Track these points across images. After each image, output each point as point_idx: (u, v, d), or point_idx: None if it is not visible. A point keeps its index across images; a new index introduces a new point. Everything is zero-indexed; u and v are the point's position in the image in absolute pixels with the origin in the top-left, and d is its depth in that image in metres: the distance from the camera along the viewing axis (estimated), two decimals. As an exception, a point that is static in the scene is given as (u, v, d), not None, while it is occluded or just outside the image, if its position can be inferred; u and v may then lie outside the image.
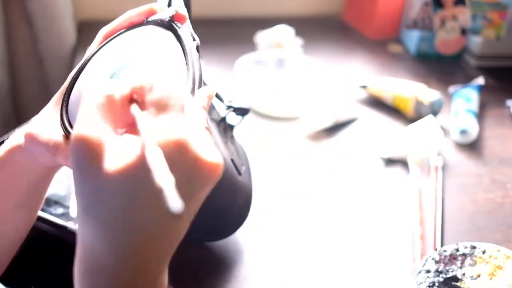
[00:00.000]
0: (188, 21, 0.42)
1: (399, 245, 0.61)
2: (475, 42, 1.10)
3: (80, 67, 0.42)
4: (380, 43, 1.18)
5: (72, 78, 0.41)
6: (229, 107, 0.56)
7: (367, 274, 0.57)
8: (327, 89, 0.89)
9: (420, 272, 0.54)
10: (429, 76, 1.04)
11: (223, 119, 0.55)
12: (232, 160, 0.53)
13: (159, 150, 0.27)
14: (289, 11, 1.29)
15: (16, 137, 0.42)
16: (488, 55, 1.10)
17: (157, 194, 0.26)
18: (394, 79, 0.94)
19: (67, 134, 0.39)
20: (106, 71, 0.39)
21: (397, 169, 0.75)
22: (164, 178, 0.25)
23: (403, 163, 0.75)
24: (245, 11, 1.27)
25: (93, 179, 0.28)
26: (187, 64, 0.37)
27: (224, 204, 0.52)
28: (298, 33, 1.08)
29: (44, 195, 0.46)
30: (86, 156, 0.27)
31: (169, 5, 0.43)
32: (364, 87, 0.92)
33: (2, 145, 0.42)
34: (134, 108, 0.30)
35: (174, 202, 0.25)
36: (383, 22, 1.18)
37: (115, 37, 0.42)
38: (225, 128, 0.56)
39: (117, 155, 0.28)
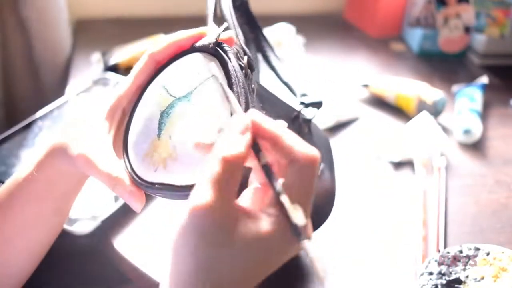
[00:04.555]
0: (240, 37, 0.43)
1: (402, 246, 0.60)
2: (479, 40, 1.09)
3: (136, 100, 0.42)
4: (382, 41, 1.16)
5: (130, 112, 0.42)
6: (301, 103, 0.53)
7: (369, 276, 0.56)
8: (329, 88, 0.88)
9: (422, 274, 0.53)
10: (432, 75, 1.03)
11: (297, 116, 0.52)
12: None
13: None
14: (290, 9, 1.28)
15: (57, 140, 0.40)
16: (492, 53, 1.09)
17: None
18: (396, 78, 0.93)
19: (131, 176, 0.39)
20: (157, 108, 0.40)
21: (399, 170, 0.74)
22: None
23: (405, 163, 0.74)
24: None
25: (222, 247, 0.29)
26: (229, 97, 0.38)
27: None
28: (299, 31, 1.07)
29: (75, 199, 0.46)
30: (215, 225, 0.29)
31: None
32: (366, 86, 0.91)
33: (40, 147, 0.41)
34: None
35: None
36: (386, 20, 1.17)
37: (163, 68, 0.42)
38: (300, 124, 0.52)
39: (248, 224, 0.30)
